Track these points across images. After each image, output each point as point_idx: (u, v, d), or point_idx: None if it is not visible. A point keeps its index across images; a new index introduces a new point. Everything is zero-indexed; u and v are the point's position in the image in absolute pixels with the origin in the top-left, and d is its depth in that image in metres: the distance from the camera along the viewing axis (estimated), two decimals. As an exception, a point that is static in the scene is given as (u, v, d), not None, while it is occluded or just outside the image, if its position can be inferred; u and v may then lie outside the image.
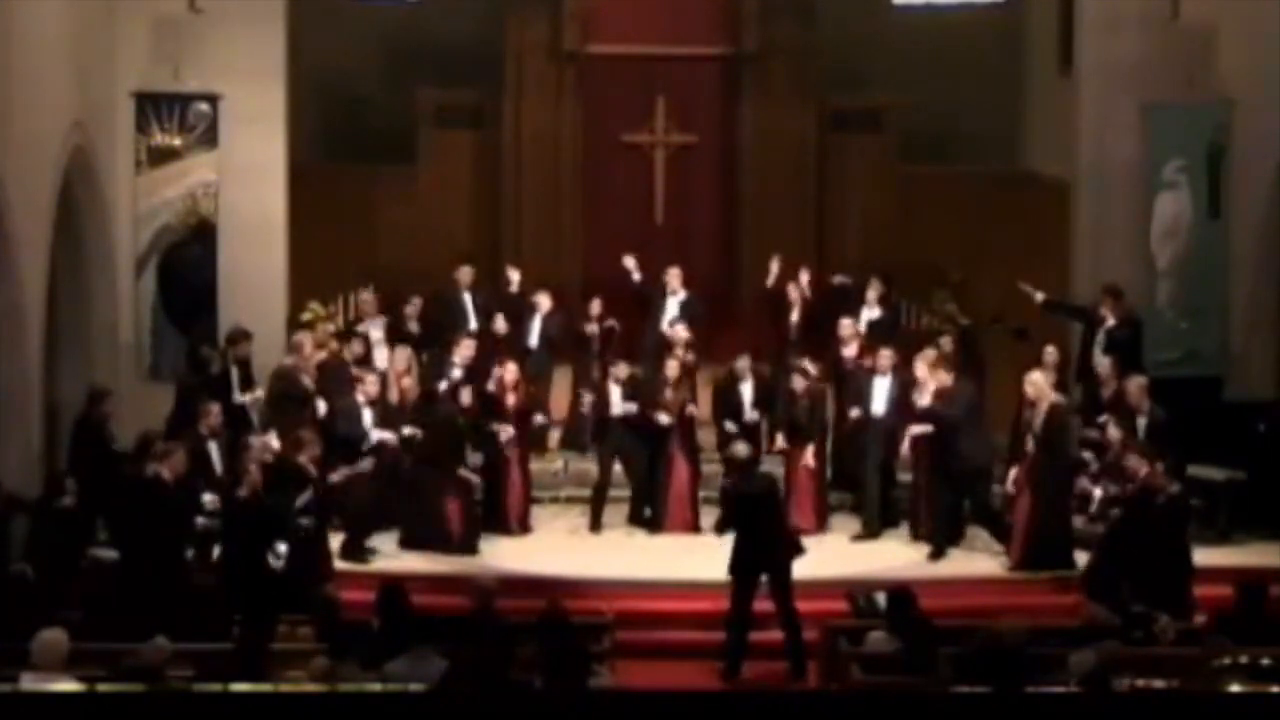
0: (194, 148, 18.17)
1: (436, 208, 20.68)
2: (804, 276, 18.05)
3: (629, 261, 18.45)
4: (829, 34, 20.49)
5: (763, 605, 14.88)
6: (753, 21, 20.50)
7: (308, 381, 16.30)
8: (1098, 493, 15.51)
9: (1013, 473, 15.60)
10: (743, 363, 16.92)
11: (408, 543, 15.92)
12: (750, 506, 14.33)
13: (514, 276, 18.65)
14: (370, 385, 16.14)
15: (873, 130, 20.88)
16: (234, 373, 16.78)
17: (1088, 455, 15.74)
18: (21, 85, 15.61)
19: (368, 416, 16.01)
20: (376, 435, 15.95)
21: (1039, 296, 17.70)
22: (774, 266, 18.17)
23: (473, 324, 18.02)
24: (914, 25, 20.12)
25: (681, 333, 17.24)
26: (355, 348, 17.19)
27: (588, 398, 17.36)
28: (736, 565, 14.10)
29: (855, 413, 16.65)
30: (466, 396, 16.33)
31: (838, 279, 18.57)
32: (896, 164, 20.75)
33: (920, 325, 19.03)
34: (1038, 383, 15.57)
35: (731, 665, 13.90)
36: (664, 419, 16.57)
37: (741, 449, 14.84)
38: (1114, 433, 15.57)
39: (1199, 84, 18.11)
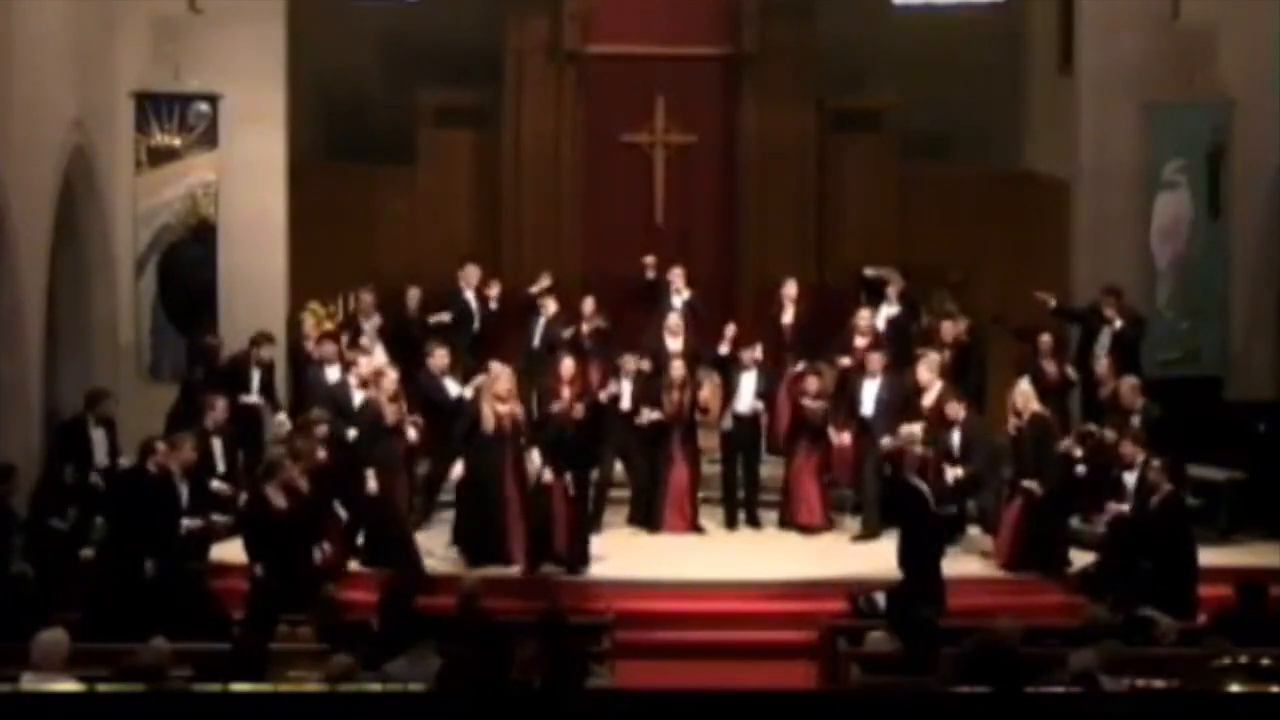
0: (194, 148, 18.18)
1: (436, 208, 20.67)
2: (790, 287, 17.99)
3: (649, 260, 18.48)
4: (829, 34, 20.47)
5: (762, 606, 14.95)
6: (753, 21, 20.48)
7: (389, 414, 15.71)
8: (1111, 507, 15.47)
9: None
10: (749, 354, 16.90)
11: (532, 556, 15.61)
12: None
13: (544, 281, 18.48)
14: (363, 367, 16.13)
15: (872, 130, 20.87)
16: (255, 375, 16.82)
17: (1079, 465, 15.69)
18: (21, 85, 15.62)
19: (358, 399, 15.98)
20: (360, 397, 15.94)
21: (1051, 303, 17.67)
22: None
23: (477, 324, 18.00)
24: (914, 25, 20.12)
25: (678, 371, 16.91)
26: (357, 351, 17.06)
27: (611, 387, 17.08)
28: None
29: (846, 436, 16.74)
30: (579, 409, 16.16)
31: (869, 271, 18.57)
32: (896, 164, 20.73)
33: (920, 325, 19.02)
34: (1026, 393, 15.61)
35: None
36: (653, 415, 16.56)
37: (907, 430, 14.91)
38: (1109, 434, 15.68)
39: (1199, 84, 18.12)
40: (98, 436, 15.74)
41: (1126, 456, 14.76)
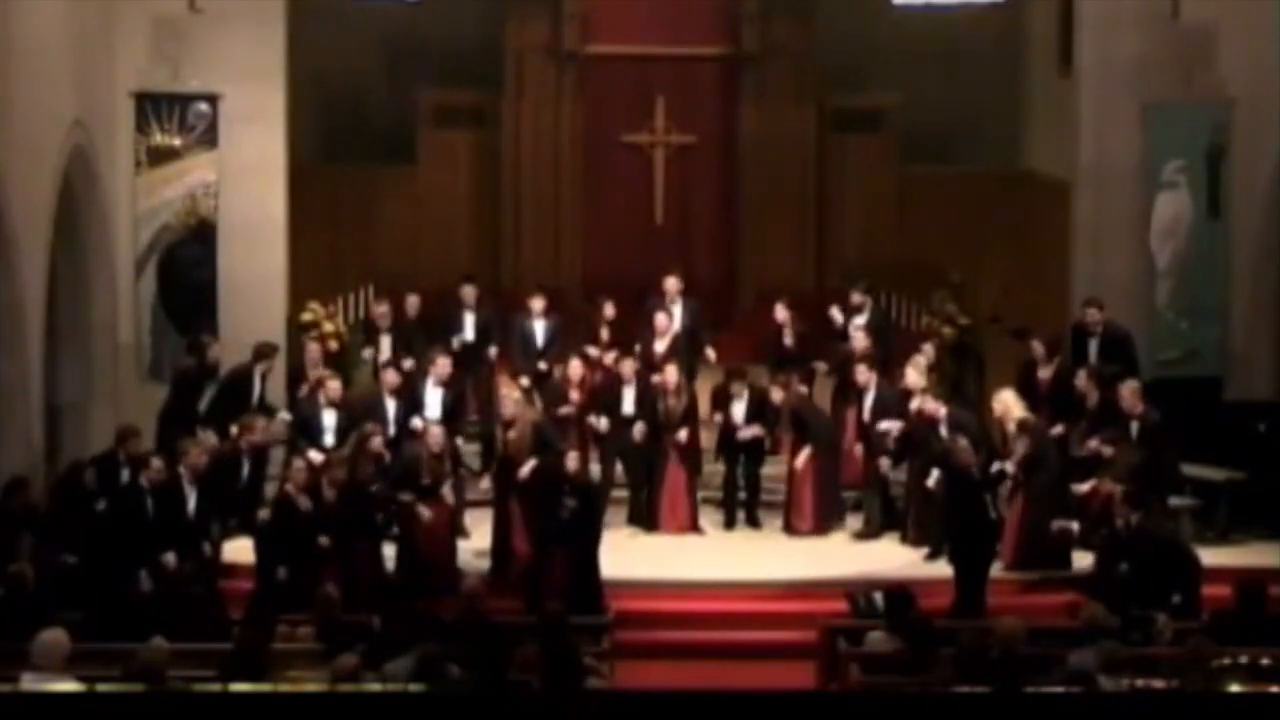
0: (194, 148, 18.17)
1: (436, 208, 20.70)
2: (780, 311, 17.81)
3: (670, 285, 17.89)
4: (829, 34, 20.51)
5: (762, 606, 14.95)
6: (753, 21, 20.52)
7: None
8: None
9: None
10: (737, 386, 16.85)
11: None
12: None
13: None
14: (333, 391, 16.05)
15: (872, 130, 20.90)
16: (257, 389, 16.69)
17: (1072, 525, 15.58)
18: (21, 85, 15.62)
19: (329, 420, 15.95)
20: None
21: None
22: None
23: (469, 336, 17.84)
24: (914, 25, 20.12)
25: (671, 376, 16.77)
26: (365, 354, 16.82)
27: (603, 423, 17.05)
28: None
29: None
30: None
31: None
32: (896, 164, 20.77)
33: (920, 325, 19.02)
34: (1005, 400, 15.58)
35: None
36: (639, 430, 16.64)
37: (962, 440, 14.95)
38: (1106, 449, 15.65)
39: (1199, 84, 18.11)
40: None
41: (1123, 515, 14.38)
